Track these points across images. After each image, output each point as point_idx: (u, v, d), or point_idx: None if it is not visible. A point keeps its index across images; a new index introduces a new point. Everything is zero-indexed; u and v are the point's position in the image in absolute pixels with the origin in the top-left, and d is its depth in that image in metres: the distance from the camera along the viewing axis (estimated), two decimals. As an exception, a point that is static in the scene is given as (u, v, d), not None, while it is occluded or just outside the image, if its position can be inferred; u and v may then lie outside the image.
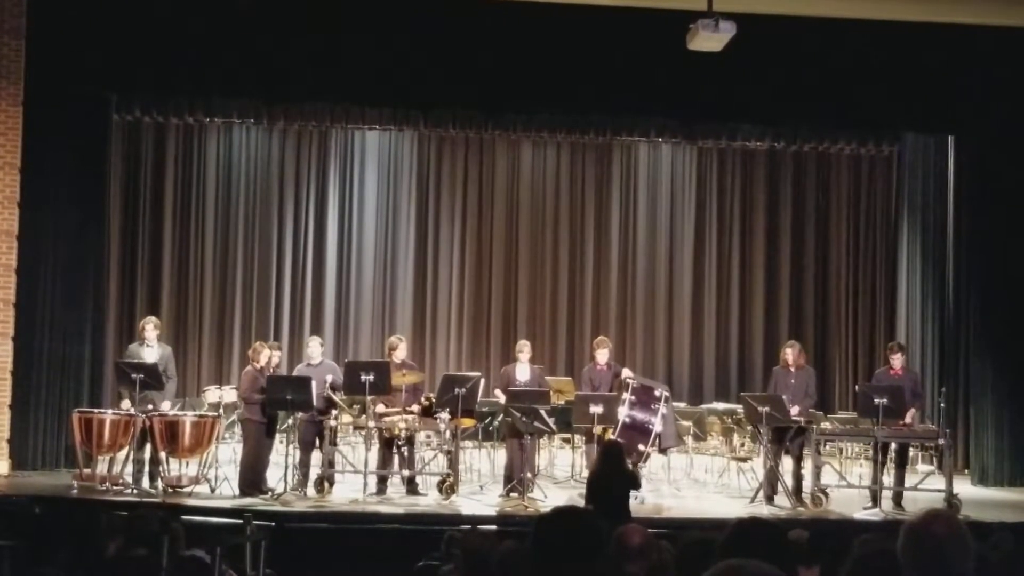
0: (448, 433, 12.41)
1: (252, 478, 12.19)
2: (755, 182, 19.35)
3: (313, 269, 18.60)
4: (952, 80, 14.81)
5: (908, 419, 12.69)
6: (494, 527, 10.04)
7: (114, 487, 12.00)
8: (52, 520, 10.16)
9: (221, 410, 13.54)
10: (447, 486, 12.10)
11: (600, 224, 19.21)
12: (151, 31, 13.87)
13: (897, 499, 12.58)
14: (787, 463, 12.69)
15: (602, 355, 13.27)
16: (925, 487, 12.67)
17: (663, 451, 13.19)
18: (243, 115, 16.84)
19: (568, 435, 14.26)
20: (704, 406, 15.93)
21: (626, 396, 12.57)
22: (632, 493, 9.91)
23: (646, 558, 4.78)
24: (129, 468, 12.24)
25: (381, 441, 12.53)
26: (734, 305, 19.26)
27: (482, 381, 12.83)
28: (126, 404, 12.33)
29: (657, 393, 12.80)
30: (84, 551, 6.05)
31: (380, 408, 12.57)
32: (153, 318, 13.40)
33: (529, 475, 12.24)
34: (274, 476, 12.40)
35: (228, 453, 13.53)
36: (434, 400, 12.60)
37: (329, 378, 12.65)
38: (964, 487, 13.77)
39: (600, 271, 19.16)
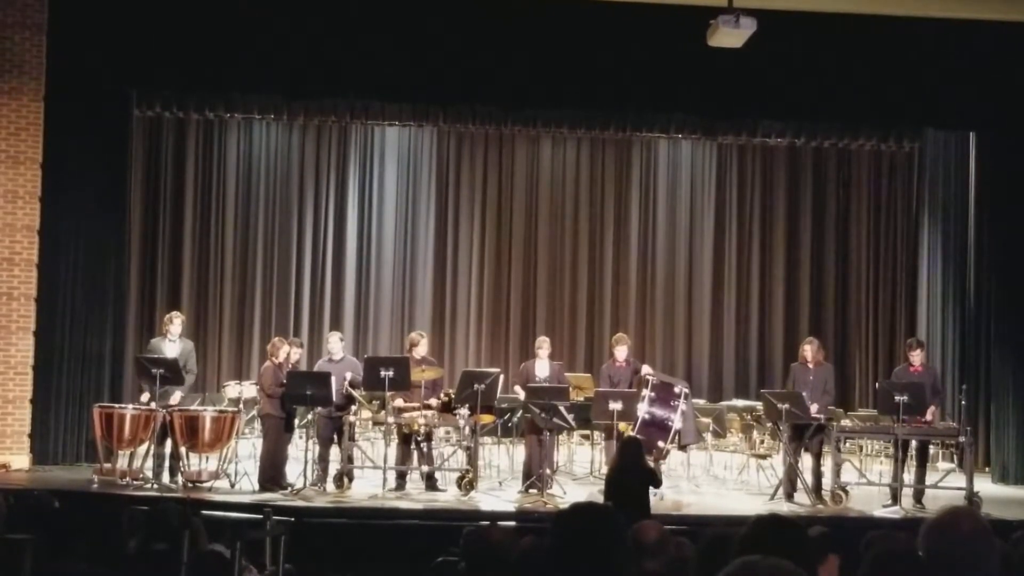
0: (467, 429, 12.41)
1: (272, 473, 12.23)
2: (775, 178, 19.31)
3: (333, 265, 18.61)
4: (973, 76, 14.75)
5: (928, 416, 12.66)
6: (513, 523, 10.03)
7: (134, 482, 12.04)
8: (72, 515, 10.19)
9: (241, 405, 13.58)
10: (466, 482, 12.11)
11: (620, 220, 19.20)
12: (171, 27, 13.91)
13: (918, 496, 12.54)
14: (807, 460, 12.66)
15: (621, 351, 13.26)
16: (945, 485, 12.63)
17: (683, 448, 13.17)
18: (263, 111, 16.81)
19: (587, 431, 14.24)
20: (724, 403, 15.89)
21: (645, 392, 12.56)
22: (652, 490, 9.91)
23: (664, 554, 4.78)
24: (149, 463, 12.27)
25: (400, 437, 12.54)
26: (754, 302, 19.23)
27: (501, 377, 12.82)
28: (145, 397, 12.38)
29: (676, 390, 12.78)
30: (104, 546, 6.06)
31: (399, 403, 12.59)
32: (179, 313, 13.47)
33: (548, 471, 12.21)
34: (293, 471, 12.43)
35: (248, 448, 13.55)
36: (453, 396, 12.62)
37: (349, 375, 12.66)
38: (984, 485, 13.72)
39: (619, 267, 19.14)
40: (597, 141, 18.84)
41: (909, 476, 12.80)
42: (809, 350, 12.90)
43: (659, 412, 12.50)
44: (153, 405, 12.21)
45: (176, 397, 12.54)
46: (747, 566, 2.85)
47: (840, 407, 14.83)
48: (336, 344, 13.19)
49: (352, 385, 12.62)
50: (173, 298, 17.68)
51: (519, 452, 13.65)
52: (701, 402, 15.46)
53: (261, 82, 14.89)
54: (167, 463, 12.34)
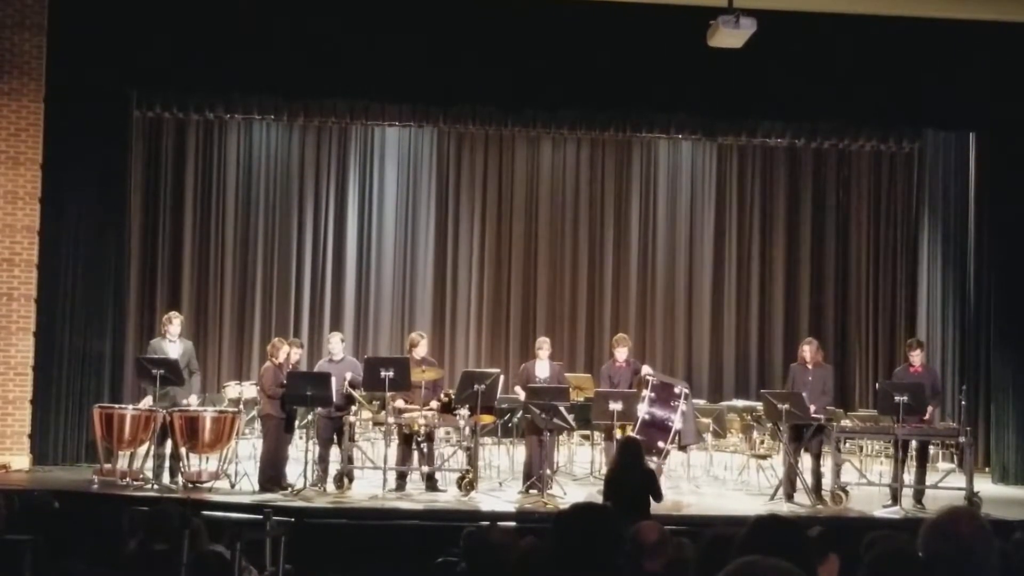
0: (467, 429, 12.41)
1: (272, 474, 12.23)
2: (775, 179, 19.30)
3: (333, 265, 18.61)
4: (973, 76, 14.76)
5: (927, 416, 12.66)
6: (513, 524, 10.03)
7: (134, 482, 12.03)
8: (73, 515, 10.20)
9: (241, 406, 13.57)
10: (466, 482, 12.11)
11: (620, 221, 19.19)
12: (171, 28, 13.92)
13: (918, 497, 12.53)
14: (807, 461, 12.66)
15: (621, 352, 13.26)
16: (945, 485, 12.62)
17: (683, 448, 13.18)
18: (263, 111, 16.79)
19: (587, 432, 14.25)
20: (724, 403, 15.88)
21: (646, 393, 12.56)
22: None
23: (663, 554, 4.79)
24: (149, 463, 12.27)
25: (400, 437, 12.55)
26: (754, 302, 19.23)
27: (501, 378, 12.81)
28: (147, 402, 12.38)
29: (677, 390, 12.78)
30: (104, 546, 6.07)
31: (400, 404, 12.59)
32: (177, 313, 13.47)
33: (548, 472, 12.21)
34: (294, 472, 12.42)
35: (248, 449, 13.54)
36: (454, 396, 12.62)
37: (349, 375, 12.66)
38: (984, 485, 13.72)
39: (620, 268, 19.14)
40: (597, 142, 18.83)
41: (909, 476, 12.80)
42: (808, 351, 12.90)
43: (659, 412, 12.51)
44: (153, 407, 12.22)
45: (193, 399, 12.58)
46: (747, 566, 2.85)
47: (840, 407, 14.82)
48: (336, 344, 13.20)
49: (352, 385, 12.62)
50: (173, 298, 17.68)
51: (519, 452, 13.66)
52: (701, 402, 15.45)
53: (261, 82, 14.89)
54: (167, 463, 12.34)
